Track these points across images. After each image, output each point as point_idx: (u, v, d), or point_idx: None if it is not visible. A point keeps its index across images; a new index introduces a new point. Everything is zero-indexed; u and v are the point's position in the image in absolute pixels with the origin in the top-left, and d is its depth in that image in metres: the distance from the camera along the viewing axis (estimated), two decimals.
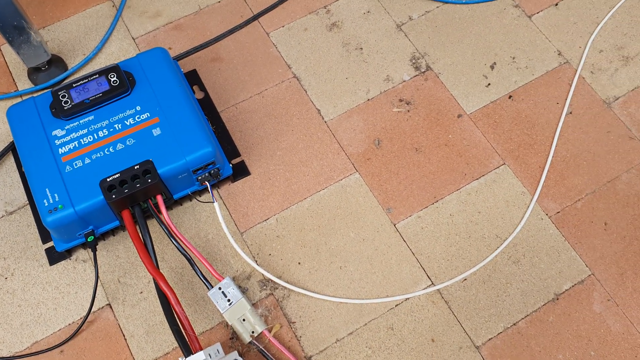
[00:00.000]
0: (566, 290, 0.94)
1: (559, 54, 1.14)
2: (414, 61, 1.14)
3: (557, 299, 0.93)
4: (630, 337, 0.90)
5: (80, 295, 0.94)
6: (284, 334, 0.91)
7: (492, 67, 1.13)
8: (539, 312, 0.93)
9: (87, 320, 0.92)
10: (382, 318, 0.92)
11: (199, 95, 1.10)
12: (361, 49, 1.15)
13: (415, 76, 1.12)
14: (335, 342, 0.91)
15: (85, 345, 0.91)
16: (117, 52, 1.15)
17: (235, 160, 1.04)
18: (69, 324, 0.92)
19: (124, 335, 0.92)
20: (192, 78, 1.12)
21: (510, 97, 1.10)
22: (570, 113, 1.08)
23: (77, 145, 0.91)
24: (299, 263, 0.97)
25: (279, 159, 1.05)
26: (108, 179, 0.88)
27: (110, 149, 0.91)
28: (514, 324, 0.92)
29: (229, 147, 1.05)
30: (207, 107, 1.09)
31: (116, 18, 1.18)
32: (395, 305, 0.93)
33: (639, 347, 0.89)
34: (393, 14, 1.19)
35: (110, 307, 0.94)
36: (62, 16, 1.20)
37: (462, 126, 1.07)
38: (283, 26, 1.18)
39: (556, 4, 1.20)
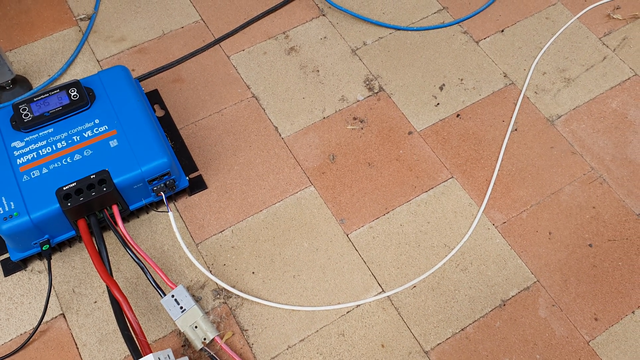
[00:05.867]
0: (512, 296, 0.97)
1: (504, 76, 1.21)
2: (367, 83, 1.19)
3: (504, 305, 0.96)
4: (573, 340, 0.93)
5: (34, 305, 0.95)
6: (236, 341, 0.93)
7: (441, 88, 1.19)
8: (487, 317, 0.95)
9: (38, 329, 0.92)
10: (334, 325, 0.94)
11: (160, 113, 1.14)
12: (318, 71, 1.21)
13: (368, 96, 1.17)
14: (287, 349, 0.92)
15: (36, 355, 0.91)
16: (82, 73, 1.19)
17: (193, 175, 1.07)
18: (21, 334, 0.92)
19: (76, 345, 0.92)
20: (154, 97, 1.15)
21: (458, 115, 1.15)
22: (516, 130, 1.14)
23: (35, 156, 0.94)
24: (253, 273, 0.99)
25: (236, 173, 1.08)
26: (64, 188, 0.90)
27: (68, 160, 0.93)
28: (462, 329, 0.94)
29: (186, 162, 1.08)
30: (167, 124, 1.12)
31: (82, 42, 1.22)
32: (347, 312, 0.95)
33: (582, 350, 0.92)
34: (348, 40, 1.25)
35: (64, 316, 0.94)
36: (29, 40, 1.24)
37: (413, 142, 1.12)
38: (243, 50, 1.23)
39: (502, 30, 1.27)
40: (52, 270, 0.95)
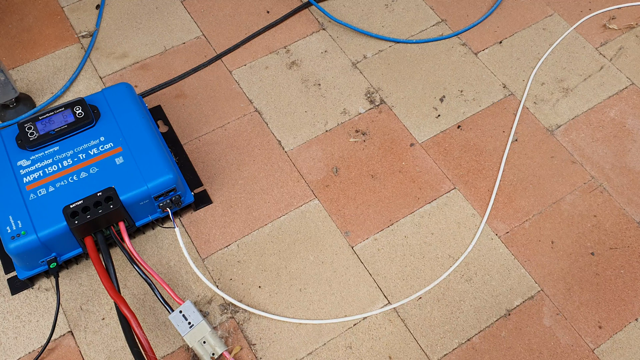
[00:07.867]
0: (517, 305, 0.98)
1: (504, 87, 1.22)
2: (368, 95, 1.20)
3: (509, 315, 0.97)
4: (578, 349, 0.94)
5: (42, 323, 0.95)
6: (245, 355, 0.93)
7: (441, 100, 1.20)
8: (492, 327, 0.96)
9: (47, 347, 0.92)
10: (341, 337, 0.95)
11: (163, 129, 1.15)
12: (319, 84, 1.22)
13: (370, 109, 1.19)
14: None
15: None
16: (85, 90, 1.20)
17: (198, 190, 1.08)
18: (29, 352, 0.93)
19: None
20: (157, 113, 1.16)
21: (459, 126, 1.16)
22: (516, 140, 1.15)
23: (41, 175, 0.94)
24: (260, 287, 0.99)
25: (241, 188, 1.09)
26: (71, 206, 0.91)
27: (74, 177, 0.94)
28: (468, 340, 0.95)
29: (191, 177, 1.09)
30: (171, 140, 1.13)
31: (84, 59, 1.23)
32: (354, 325, 0.96)
33: (587, 358, 0.93)
34: (349, 53, 1.27)
35: (72, 334, 0.94)
36: (31, 57, 1.25)
37: (415, 154, 1.13)
38: (245, 65, 1.25)
39: (500, 42, 1.29)
40: (59, 287, 0.96)
